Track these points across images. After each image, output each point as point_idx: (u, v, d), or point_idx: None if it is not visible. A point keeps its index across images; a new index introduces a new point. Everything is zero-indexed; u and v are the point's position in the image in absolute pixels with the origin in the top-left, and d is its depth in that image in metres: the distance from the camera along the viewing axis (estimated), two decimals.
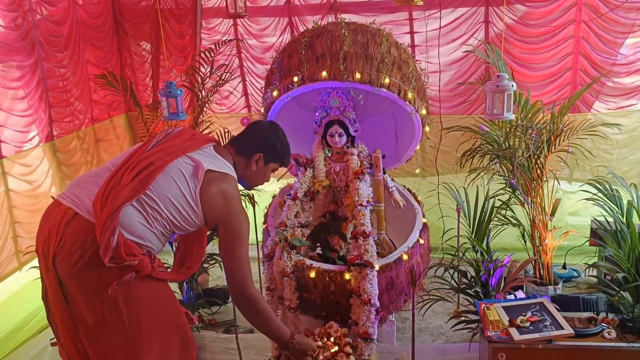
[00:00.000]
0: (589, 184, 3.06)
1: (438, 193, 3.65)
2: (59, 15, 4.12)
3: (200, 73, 3.77)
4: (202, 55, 3.86)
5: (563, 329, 2.47)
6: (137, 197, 1.86)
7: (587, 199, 3.09)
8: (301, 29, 4.18)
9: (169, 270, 2.23)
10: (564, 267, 3.81)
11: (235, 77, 4.16)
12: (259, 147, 2.18)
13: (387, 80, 2.91)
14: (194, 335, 3.19)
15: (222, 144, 2.21)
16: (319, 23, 3.26)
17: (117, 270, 1.84)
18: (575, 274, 3.81)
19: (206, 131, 3.80)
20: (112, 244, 1.78)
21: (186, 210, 1.95)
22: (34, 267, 3.33)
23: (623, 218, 2.87)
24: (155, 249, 1.99)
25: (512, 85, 2.52)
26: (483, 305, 2.68)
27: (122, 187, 1.85)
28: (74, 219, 1.86)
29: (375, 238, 3.07)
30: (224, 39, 4.24)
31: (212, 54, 3.79)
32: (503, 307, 2.65)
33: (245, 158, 2.17)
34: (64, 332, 1.96)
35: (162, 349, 1.99)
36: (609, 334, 2.47)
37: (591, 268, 3.14)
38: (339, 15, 3.86)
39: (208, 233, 2.41)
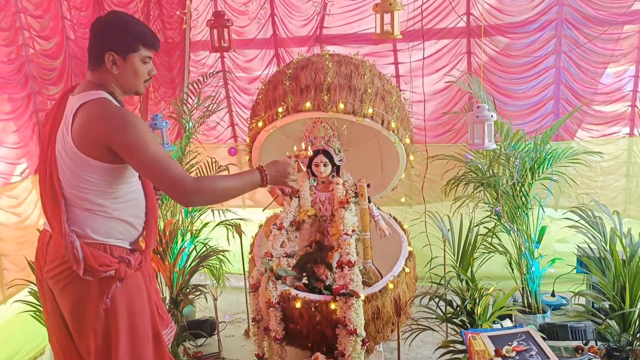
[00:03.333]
0: (572, 211, 3.08)
1: (425, 221, 3.67)
2: (52, 49, 4.19)
3: (188, 104, 3.82)
4: (190, 87, 3.92)
5: (549, 358, 2.45)
6: (61, 201, 1.85)
7: (570, 227, 3.11)
8: (287, 61, 4.26)
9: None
10: (553, 294, 3.80)
11: (222, 108, 4.22)
12: (101, 48, 1.86)
13: (370, 111, 2.96)
14: None
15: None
16: (305, 55, 3.33)
17: (98, 282, 1.87)
18: (564, 301, 3.79)
19: (193, 161, 3.83)
20: (79, 255, 1.81)
21: (87, 170, 1.82)
22: (17, 300, 3.31)
23: (606, 246, 2.88)
24: (131, 231, 1.96)
25: (492, 116, 2.56)
26: (469, 334, 2.66)
27: (46, 201, 1.89)
28: (51, 239, 1.93)
29: (361, 267, 3.06)
30: (211, 71, 4.31)
31: (199, 86, 3.85)
32: (489, 336, 2.63)
33: (102, 70, 1.88)
34: (63, 354, 2.01)
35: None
36: None
37: (578, 296, 3.13)
38: (324, 47, 3.94)
39: None
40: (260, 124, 3.13)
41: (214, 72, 4.24)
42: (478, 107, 2.63)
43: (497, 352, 2.48)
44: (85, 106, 1.80)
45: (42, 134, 2.00)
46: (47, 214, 1.92)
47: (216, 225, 3.86)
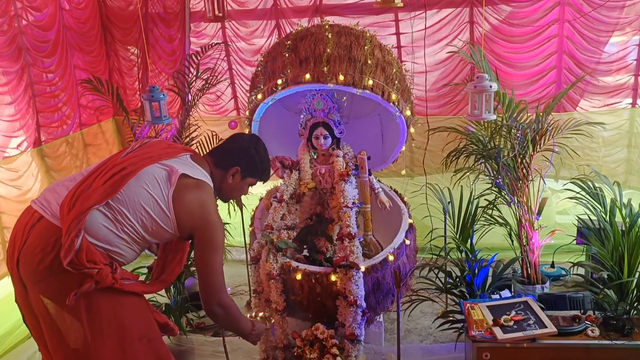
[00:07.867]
0: (573, 182, 3.06)
1: (426, 193, 3.67)
2: (45, 21, 4.12)
3: (188, 77, 3.77)
4: (189, 59, 3.86)
5: (546, 327, 2.49)
6: (106, 200, 1.84)
7: (570, 198, 3.10)
8: (289, 32, 4.19)
9: (144, 281, 2.14)
10: (552, 265, 3.83)
11: (223, 80, 4.16)
12: (236, 160, 2.13)
13: (370, 82, 2.92)
14: (182, 339, 3.23)
15: (202, 154, 2.17)
16: (305, 25, 3.27)
17: (77, 278, 1.79)
18: (563, 272, 3.82)
19: (193, 134, 3.81)
20: (75, 246, 1.74)
21: (158, 216, 1.90)
22: None
23: (606, 216, 2.88)
24: (126, 256, 1.95)
25: (491, 86, 2.52)
26: (468, 305, 2.69)
27: (93, 190, 1.83)
28: (39, 222, 1.85)
29: (362, 239, 3.08)
30: (212, 42, 4.24)
31: (199, 58, 3.79)
32: (487, 306, 2.66)
33: (222, 170, 2.12)
34: (34, 337, 1.97)
35: None
36: (592, 332, 2.49)
37: (577, 267, 3.15)
38: (324, 18, 3.87)
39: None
40: (259, 96, 3.10)
41: (214, 44, 4.16)
42: (477, 77, 2.59)
43: (495, 322, 2.52)
44: (203, 185, 1.99)
45: (146, 146, 2.05)
46: (70, 193, 1.84)
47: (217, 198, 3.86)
